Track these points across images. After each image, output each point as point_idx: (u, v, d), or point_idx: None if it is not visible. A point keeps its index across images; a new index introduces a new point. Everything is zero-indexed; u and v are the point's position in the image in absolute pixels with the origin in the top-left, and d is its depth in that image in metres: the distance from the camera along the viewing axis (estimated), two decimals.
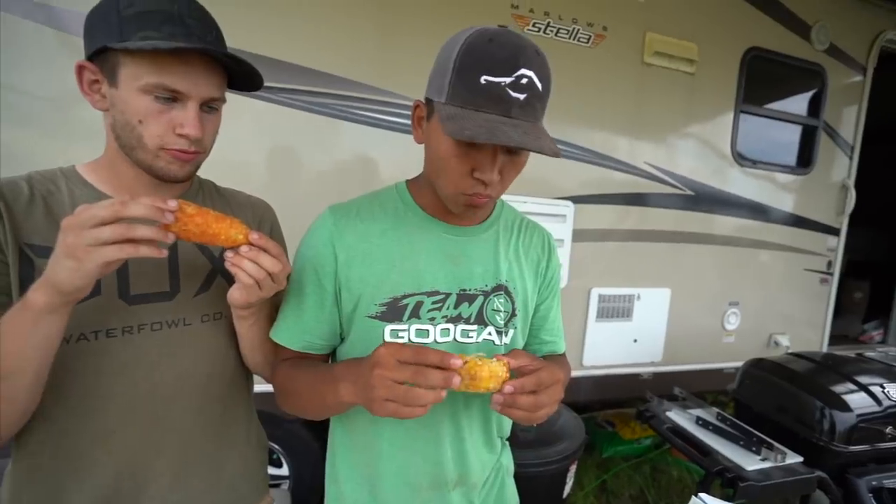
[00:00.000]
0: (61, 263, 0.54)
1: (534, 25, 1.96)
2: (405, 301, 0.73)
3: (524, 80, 0.60)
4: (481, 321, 0.76)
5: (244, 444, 0.86)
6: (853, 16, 2.58)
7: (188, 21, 0.64)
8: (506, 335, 0.79)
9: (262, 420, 0.94)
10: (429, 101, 0.69)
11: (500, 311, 0.78)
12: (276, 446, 1.88)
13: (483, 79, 0.59)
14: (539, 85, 0.62)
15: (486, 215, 0.82)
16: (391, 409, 0.58)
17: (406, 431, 0.76)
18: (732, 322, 2.55)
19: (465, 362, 0.61)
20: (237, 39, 1.50)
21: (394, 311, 0.73)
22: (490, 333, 0.77)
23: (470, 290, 0.76)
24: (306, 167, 1.75)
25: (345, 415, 0.79)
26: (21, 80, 1.42)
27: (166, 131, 0.66)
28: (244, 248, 0.63)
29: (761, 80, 2.44)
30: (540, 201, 2.05)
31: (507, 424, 0.89)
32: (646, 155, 2.25)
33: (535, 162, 2.13)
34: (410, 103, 1.71)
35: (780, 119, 2.58)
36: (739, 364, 2.02)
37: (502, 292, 0.78)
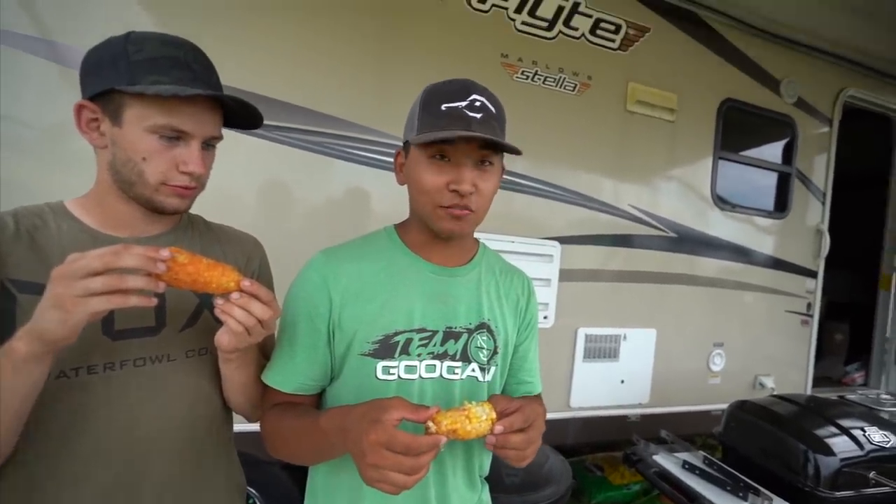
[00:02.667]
0: (48, 314, 0.54)
1: (522, 73, 2.06)
2: (397, 338, 0.76)
3: (477, 103, 0.71)
4: (465, 358, 0.80)
5: (223, 488, 0.83)
6: (818, 73, 2.76)
7: (194, 66, 0.68)
8: (488, 372, 0.82)
9: (240, 461, 0.91)
10: (405, 144, 0.77)
11: (483, 348, 0.81)
12: (253, 490, 1.81)
13: (443, 106, 0.70)
14: (492, 108, 0.72)
15: (470, 257, 0.86)
16: (385, 489, 0.59)
17: None
18: (718, 363, 2.57)
19: (453, 431, 0.62)
20: (239, 79, 1.57)
21: (386, 348, 0.75)
22: (473, 370, 0.80)
23: (455, 327, 0.79)
24: (301, 203, 1.78)
25: None
26: (22, 112, 1.44)
27: (169, 168, 0.68)
28: (235, 296, 0.63)
29: (737, 129, 2.58)
30: (527, 241, 2.09)
31: (488, 462, 0.90)
32: (630, 198, 2.32)
33: (522, 203, 2.20)
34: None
35: (755, 166, 2.71)
36: (726, 406, 2.02)
37: (485, 330, 0.82)
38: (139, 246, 0.57)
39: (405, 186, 0.81)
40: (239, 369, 0.75)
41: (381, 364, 0.75)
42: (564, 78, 2.14)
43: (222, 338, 0.68)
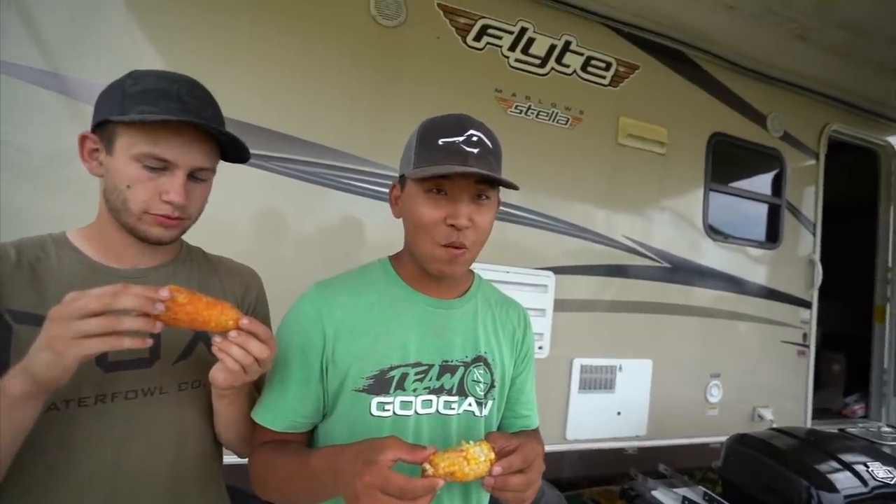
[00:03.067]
0: (40, 355, 0.54)
1: (516, 108, 2.12)
2: (392, 373, 0.74)
3: (474, 138, 0.71)
4: (462, 392, 0.78)
5: None
6: (802, 109, 2.86)
7: (185, 98, 0.69)
8: (485, 406, 0.80)
9: (229, 495, 0.88)
10: (401, 178, 0.77)
11: (480, 382, 0.79)
12: None
13: (440, 140, 0.71)
14: (489, 143, 0.73)
15: (465, 288, 0.85)
16: None
17: None
18: (715, 394, 2.54)
19: (451, 473, 0.60)
20: (238, 110, 1.60)
21: (381, 384, 0.74)
22: (470, 404, 0.79)
23: (452, 361, 0.78)
24: (296, 233, 1.79)
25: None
26: (23, 140, 1.46)
27: (152, 197, 0.68)
28: (233, 334, 0.62)
29: (727, 162, 2.64)
30: (522, 271, 2.09)
31: (486, 502, 0.87)
32: (623, 228, 2.35)
33: (517, 233, 2.22)
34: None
35: (746, 197, 2.77)
36: (724, 438, 1.98)
37: (482, 363, 0.80)
38: (138, 286, 0.57)
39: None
40: (232, 405, 0.74)
41: (375, 400, 0.73)
42: (557, 112, 2.20)
43: (217, 375, 0.67)
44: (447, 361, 0.78)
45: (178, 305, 0.59)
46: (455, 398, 0.77)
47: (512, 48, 2.12)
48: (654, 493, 1.80)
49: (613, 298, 2.31)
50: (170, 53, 1.62)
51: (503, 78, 2.10)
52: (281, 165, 1.74)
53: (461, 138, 0.70)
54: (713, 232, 2.57)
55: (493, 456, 0.63)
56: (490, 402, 0.81)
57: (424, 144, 0.72)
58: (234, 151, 0.77)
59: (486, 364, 0.81)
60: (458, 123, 0.72)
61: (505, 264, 2.05)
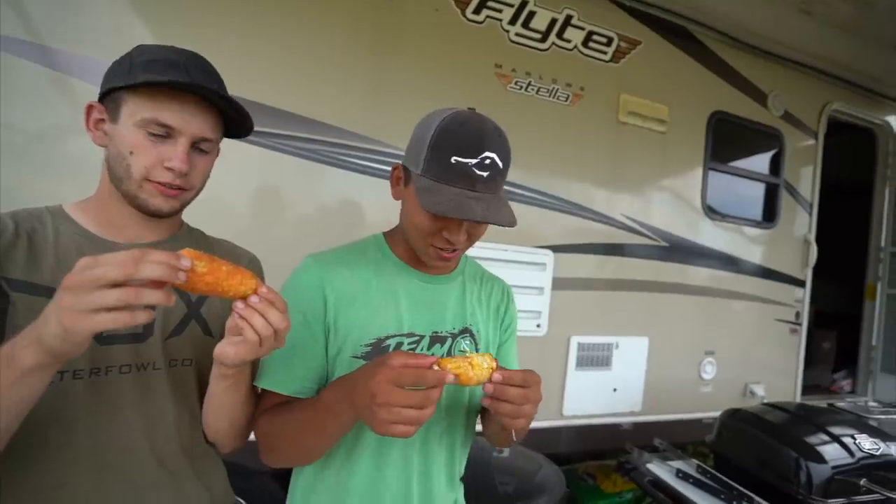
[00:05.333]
0: (50, 327, 0.50)
1: (515, 84, 2.09)
2: (388, 342, 0.79)
3: (487, 161, 0.71)
4: None
5: (207, 498, 0.81)
6: (803, 87, 2.84)
7: (192, 70, 0.69)
8: None
9: (230, 472, 0.89)
10: (406, 168, 0.78)
11: (466, 351, 0.84)
12: (244, 502, 1.77)
13: (453, 159, 0.70)
14: (500, 164, 0.73)
15: (454, 266, 0.91)
16: (399, 431, 0.61)
17: (377, 469, 0.79)
18: (709, 371, 2.59)
19: (456, 376, 0.66)
20: (236, 86, 1.55)
21: (378, 352, 0.78)
22: None
23: (441, 332, 0.83)
24: (293, 210, 1.77)
25: None
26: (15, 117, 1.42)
27: (154, 164, 0.68)
28: (254, 299, 0.59)
29: (727, 141, 2.62)
30: (520, 250, 2.10)
31: (464, 462, 0.93)
32: (622, 207, 2.35)
33: (515, 211, 2.19)
34: (398, 152, 1.78)
35: (744, 176, 2.77)
36: (717, 414, 2.03)
37: (468, 334, 0.86)
38: (157, 252, 0.52)
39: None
40: (230, 389, 0.71)
41: None
42: (557, 88, 2.17)
43: (227, 349, 0.63)
44: (437, 332, 0.83)
45: (197, 276, 0.54)
46: None
47: (512, 22, 2.07)
48: (649, 465, 1.84)
49: (611, 277, 2.32)
50: (163, 26, 1.57)
51: (503, 53, 2.06)
52: (277, 142, 1.70)
53: (475, 161, 0.70)
54: (711, 211, 2.58)
55: (494, 366, 0.69)
56: None
57: (436, 155, 0.71)
58: (238, 123, 0.77)
59: (472, 335, 0.87)
60: (477, 141, 0.71)
61: (504, 242, 2.05)
